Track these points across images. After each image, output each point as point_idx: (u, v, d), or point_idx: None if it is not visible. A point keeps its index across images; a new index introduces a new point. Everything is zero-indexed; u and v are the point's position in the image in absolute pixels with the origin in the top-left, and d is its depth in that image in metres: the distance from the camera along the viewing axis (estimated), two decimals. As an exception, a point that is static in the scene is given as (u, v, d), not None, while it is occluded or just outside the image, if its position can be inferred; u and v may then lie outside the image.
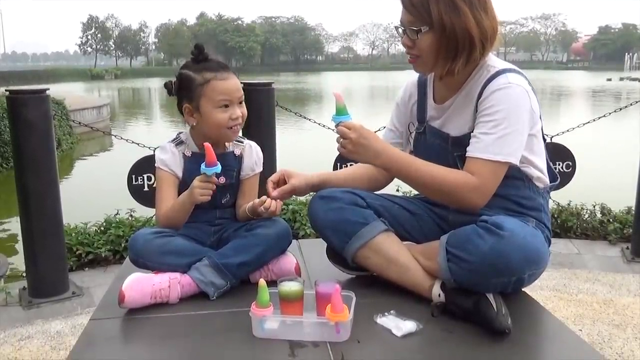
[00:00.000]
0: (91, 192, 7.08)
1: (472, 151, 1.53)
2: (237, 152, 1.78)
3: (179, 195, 1.71)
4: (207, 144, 1.57)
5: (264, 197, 1.68)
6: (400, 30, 1.61)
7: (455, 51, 1.53)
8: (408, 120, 1.81)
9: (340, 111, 1.55)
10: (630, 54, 58.24)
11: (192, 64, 1.69)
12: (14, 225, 5.19)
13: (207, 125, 1.68)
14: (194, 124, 1.70)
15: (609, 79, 42.69)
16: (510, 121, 1.50)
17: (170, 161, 1.71)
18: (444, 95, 1.68)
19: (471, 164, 1.53)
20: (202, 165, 1.58)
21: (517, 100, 1.51)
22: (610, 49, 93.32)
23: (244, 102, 1.72)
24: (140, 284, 1.56)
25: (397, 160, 1.56)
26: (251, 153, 1.81)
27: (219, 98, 1.65)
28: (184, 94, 1.69)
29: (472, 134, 1.55)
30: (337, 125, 1.56)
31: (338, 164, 3.61)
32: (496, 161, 1.50)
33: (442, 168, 1.56)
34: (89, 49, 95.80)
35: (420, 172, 1.55)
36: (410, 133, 1.80)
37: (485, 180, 1.51)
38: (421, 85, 1.78)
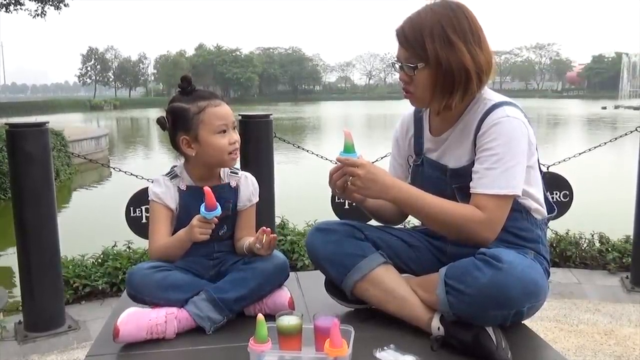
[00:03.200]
0: (89, 224, 7.06)
1: (477, 187, 1.54)
2: (233, 183, 1.78)
3: (172, 228, 1.71)
4: (207, 189, 1.57)
5: (258, 234, 1.66)
6: (397, 65, 1.63)
7: (452, 86, 1.55)
8: (407, 154, 1.82)
9: (348, 149, 1.56)
10: (628, 56, 58.56)
11: (182, 96, 1.70)
12: (11, 256, 5.15)
13: (207, 154, 1.68)
14: (193, 155, 1.69)
15: (604, 107, 43.04)
16: (512, 154, 1.52)
17: (165, 194, 1.71)
18: (440, 127, 1.70)
19: (478, 200, 1.53)
20: (202, 208, 1.58)
21: (516, 132, 1.53)
22: (604, 77, 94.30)
23: (237, 129, 1.73)
24: (135, 319, 1.54)
25: (407, 194, 1.57)
26: (247, 184, 1.81)
27: (217, 123, 1.66)
28: (179, 126, 1.69)
29: (473, 169, 1.56)
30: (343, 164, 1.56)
31: (336, 195, 3.62)
32: (503, 195, 1.52)
33: (451, 203, 1.57)
34: (89, 80, 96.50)
35: (430, 206, 1.56)
36: (410, 165, 1.81)
37: (494, 214, 1.52)
38: (417, 118, 1.80)
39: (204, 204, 1.57)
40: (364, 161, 1.55)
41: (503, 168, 1.51)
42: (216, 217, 1.60)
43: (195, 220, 1.60)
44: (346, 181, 1.56)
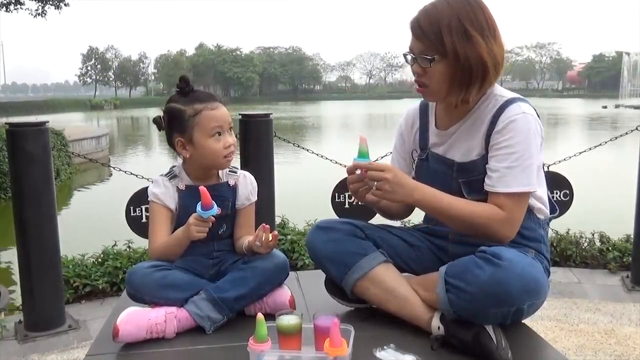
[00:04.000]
0: (89, 223, 7.06)
1: (497, 186, 1.54)
2: (232, 182, 1.77)
3: (172, 228, 1.71)
4: (202, 188, 1.57)
5: (258, 231, 1.65)
6: (409, 57, 1.60)
7: (470, 80, 1.54)
8: (412, 148, 1.82)
9: (363, 154, 1.56)
10: (629, 56, 58.65)
11: (180, 97, 1.69)
12: (12, 256, 5.15)
13: (202, 156, 1.68)
14: (187, 157, 1.69)
15: (605, 107, 43.01)
16: (530, 151, 1.53)
17: (164, 195, 1.71)
18: (448, 121, 1.69)
19: (497, 198, 1.54)
20: (198, 207, 1.57)
21: (532, 129, 1.54)
22: (605, 77, 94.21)
23: (232, 132, 1.72)
24: (135, 318, 1.54)
25: (430, 196, 1.57)
26: (245, 183, 1.80)
27: (211, 126, 1.65)
28: (175, 127, 1.69)
29: (490, 167, 1.56)
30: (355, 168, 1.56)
31: (336, 194, 3.62)
32: (523, 192, 1.53)
33: (471, 203, 1.57)
34: (89, 80, 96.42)
35: (452, 207, 1.56)
36: (414, 160, 1.81)
37: (514, 212, 1.54)
38: (423, 112, 1.79)
39: (200, 202, 1.57)
40: (390, 165, 1.56)
41: (523, 166, 1.52)
42: (213, 216, 1.59)
43: (192, 219, 1.60)
44: (369, 186, 1.54)
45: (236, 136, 3.27)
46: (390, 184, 1.51)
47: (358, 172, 1.55)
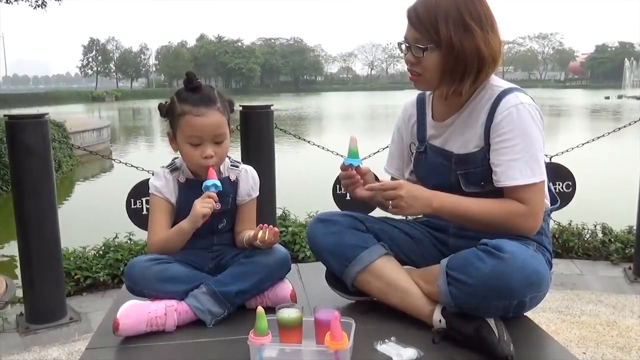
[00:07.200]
0: (90, 215, 7.06)
1: (507, 180, 1.53)
2: (233, 177, 1.76)
3: (172, 222, 1.70)
4: (211, 168, 1.61)
5: (257, 229, 1.64)
6: (403, 46, 1.60)
7: (464, 71, 1.53)
8: (409, 141, 1.80)
9: (353, 154, 1.58)
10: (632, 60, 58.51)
11: (183, 91, 1.67)
12: (14, 249, 5.15)
13: (182, 155, 1.68)
14: (174, 150, 1.70)
15: (607, 97, 42.83)
16: (532, 140, 1.52)
17: (164, 188, 1.70)
18: (444, 113, 1.68)
19: (512, 192, 1.53)
20: (203, 184, 1.60)
21: (532, 118, 1.53)
22: (608, 67, 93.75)
23: (225, 142, 1.67)
24: (135, 312, 1.54)
25: (448, 202, 1.56)
26: (247, 178, 1.78)
27: (188, 134, 1.63)
28: (169, 118, 1.69)
29: (494, 162, 1.54)
30: (347, 167, 1.58)
31: (337, 186, 3.61)
32: (536, 182, 1.51)
33: (490, 201, 1.55)
34: (90, 72, 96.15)
35: (472, 209, 1.55)
36: (412, 153, 1.79)
37: (533, 203, 1.52)
38: (420, 105, 1.78)
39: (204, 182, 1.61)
40: (400, 181, 1.54)
41: (527, 156, 1.51)
42: (214, 212, 1.59)
43: (196, 201, 1.60)
44: (385, 204, 1.55)
45: (237, 128, 3.26)
46: (406, 200, 1.50)
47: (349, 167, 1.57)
